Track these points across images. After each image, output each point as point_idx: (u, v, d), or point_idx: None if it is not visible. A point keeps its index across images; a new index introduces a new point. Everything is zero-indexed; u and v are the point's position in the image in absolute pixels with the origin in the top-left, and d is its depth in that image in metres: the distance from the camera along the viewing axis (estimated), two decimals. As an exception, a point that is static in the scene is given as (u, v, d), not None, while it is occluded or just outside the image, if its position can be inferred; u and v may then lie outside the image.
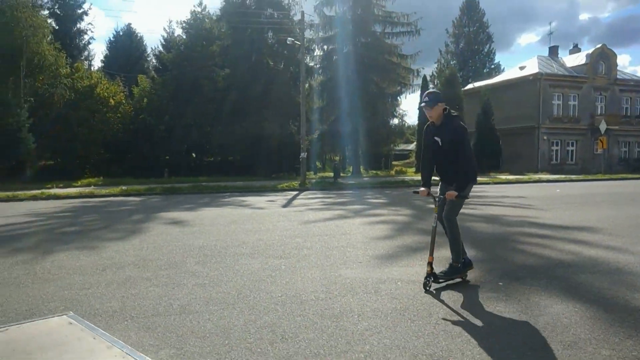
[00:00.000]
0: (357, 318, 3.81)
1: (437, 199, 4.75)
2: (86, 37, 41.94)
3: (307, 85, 29.81)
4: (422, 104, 4.70)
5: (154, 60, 44.29)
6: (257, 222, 9.68)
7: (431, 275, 4.60)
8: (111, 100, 32.79)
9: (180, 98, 33.06)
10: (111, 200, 16.24)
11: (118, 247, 7.12)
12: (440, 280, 4.69)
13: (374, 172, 37.93)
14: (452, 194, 4.53)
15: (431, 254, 4.62)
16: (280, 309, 4.06)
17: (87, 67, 38.12)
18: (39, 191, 18.58)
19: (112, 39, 46.63)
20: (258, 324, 3.69)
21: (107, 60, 45.03)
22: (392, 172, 36.12)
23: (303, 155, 23.63)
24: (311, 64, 35.31)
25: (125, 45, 44.73)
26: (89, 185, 23.31)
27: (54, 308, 4.09)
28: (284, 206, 13.48)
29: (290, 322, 3.71)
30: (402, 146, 49.42)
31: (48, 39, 30.24)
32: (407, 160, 49.90)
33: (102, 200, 16.60)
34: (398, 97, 36.89)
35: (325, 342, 3.30)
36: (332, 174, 28.45)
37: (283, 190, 20.43)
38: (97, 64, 46.84)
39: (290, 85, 32.73)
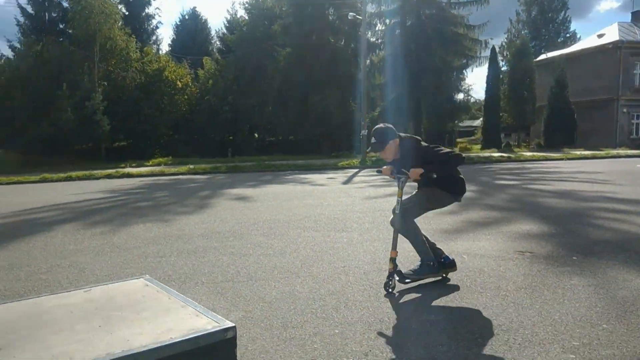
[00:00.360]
0: (422, 289, 3.76)
1: (400, 180, 3.84)
2: (154, 22, 43.42)
3: (368, 61, 29.32)
4: (369, 148, 3.96)
5: (218, 42, 45.31)
6: (319, 198, 9.75)
7: (394, 274, 3.74)
8: (178, 82, 34.00)
9: (243, 79, 33.71)
10: (180, 178, 16.96)
11: (188, 220, 7.44)
12: (407, 280, 3.83)
13: (437, 149, 37.01)
14: (417, 171, 3.64)
15: (394, 247, 3.77)
16: (344, 278, 4.09)
17: (155, 51, 39.58)
18: (114, 170, 19.72)
19: (178, 23, 48.12)
20: (322, 291, 3.74)
21: (174, 43, 46.57)
22: (456, 149, 35.11)
23: (364, 132, 23.43)
24: (372, 39, 34.54)
25: (191, 28, 45.99)
26: (159, 164, 24.47)
27: (131, 273, 4.35)
28: (345, 183, 13.49)
29: (353, 291, 3.73)
30: (468, 122, 47.74)
31: (119, 24, 31.71)
32: (473, 137, 48.25)
33: (171, 178, 17.37)
34: (464, 71, 35.23)
35: (390, 310, 3.29)
36: (393, 152, 27.95)
37: (343, 168, 20.44)
38: (164, 47, 48.58)
39: (351, 62, 32.39)
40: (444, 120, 32.59)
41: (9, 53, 33.80)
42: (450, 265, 4.03)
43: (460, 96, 35.41)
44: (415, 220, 3.92)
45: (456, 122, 36.98)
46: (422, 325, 3.03)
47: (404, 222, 3.84)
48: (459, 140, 42.73)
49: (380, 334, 2.89)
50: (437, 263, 3.93)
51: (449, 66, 32.88)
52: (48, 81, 27.73)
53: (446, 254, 4.07)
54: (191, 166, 20.79)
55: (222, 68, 34.87)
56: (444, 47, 32.70)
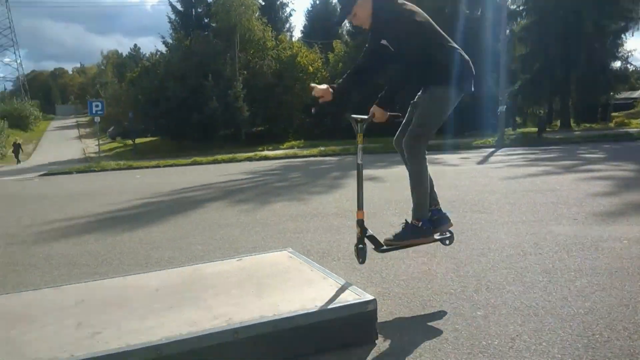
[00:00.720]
0: (574, 275, 3.44)
1: (357, 122, 3.08)
2: (287, 10, 45.42)
3: (508, 31, 27.29)
4: (336, 20, 3.16)
5: (347, 25, 45.76)
6: (452, 178, 9.43)
7: (363, 239, 3.00)
8: (310, 67, 35.17)
9: (372, 59, 33.68)
10: (311, 160, 17.62)
11: (321, 199, 7.72)
12: (383, 248, 3.09)
13: (587, 125, 33.40)
14: (380, 112, 3.05)
15: (360, 207, 2.98)
16: (483, 260, 3.91)
17: (289, 38, 41.34)
18: (253, 153, 21.19)
19: (309, 8, 49.55)
20: (460, 273, 3.62)
21: (305, 29, 48.16)
22: (612, 125, 31.27)
23: (501, 108, 21.98)
24: (513, 6, 32.03)
25: (321, 13, 47.08)
26: (292, 147, 25.71)
27: (274, 247, 4.64)
28: (480, 163, 12.87)
29: (495, 274, 3.54)
30: (625, 94, 42.14)
31: (256, 15, 33.68)
32: (632, 111, 42.48)
33: (303, 160, 18.13)
34: (622, 35, 30.90)
35: (538, 295, 3.07)
36: (534, 130, 26.00)
37: (478, 147, 19.49)
38: (297, 34, 50.52)
39: (488, 33, 30.50)
40: (597, 93, 29.22)
41: (162, 49, 37.95)
42: (441, 221, 3.18)
43: (617, 64, 31.32)
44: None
45: (612, 94, 32.87)
46: (576, 311, 2.77)
47: (412, 155, 3.14)
48: (614, 114, 38.04)
49: (528, 319, 2.71)
50: (428, 223, 3.11)
51: (603, 31, 29.26)
52: (196, 72, 30.56)
53: (440, 206, 3.17)
54: (322, 148, 21.47)
55: (351, 50, 35.19)
56: (597, 10, 29.02)
